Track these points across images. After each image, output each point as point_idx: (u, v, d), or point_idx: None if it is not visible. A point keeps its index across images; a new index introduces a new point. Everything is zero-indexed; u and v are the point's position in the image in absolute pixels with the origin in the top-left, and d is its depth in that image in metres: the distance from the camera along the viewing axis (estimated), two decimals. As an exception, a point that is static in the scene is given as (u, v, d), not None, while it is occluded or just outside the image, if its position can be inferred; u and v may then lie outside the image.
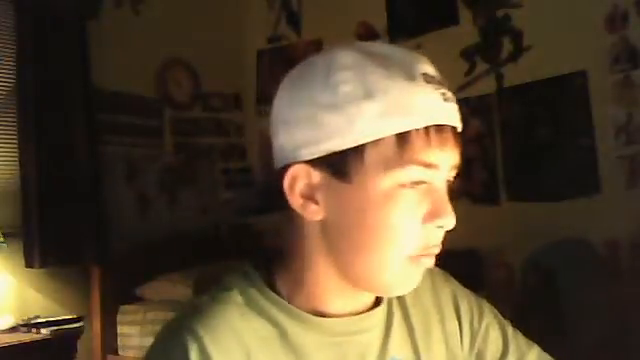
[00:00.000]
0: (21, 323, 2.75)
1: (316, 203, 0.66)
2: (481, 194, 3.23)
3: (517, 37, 3.13)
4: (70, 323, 2.81)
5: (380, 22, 3.62)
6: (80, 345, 2.81)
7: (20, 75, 3.01)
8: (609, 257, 2.74)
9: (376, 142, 0.63)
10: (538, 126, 3.09)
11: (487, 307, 0.83)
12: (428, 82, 0.64)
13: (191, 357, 0.63)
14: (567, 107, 2.99)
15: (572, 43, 2.91)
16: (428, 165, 0.64)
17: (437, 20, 3.41)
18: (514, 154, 3.17)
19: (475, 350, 0.80)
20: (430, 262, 0.68)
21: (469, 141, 3.27)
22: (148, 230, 3.43)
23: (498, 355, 0.80)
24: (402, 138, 0.63)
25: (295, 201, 0.67)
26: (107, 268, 3.12)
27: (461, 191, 3.29)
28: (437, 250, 0.68)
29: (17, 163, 3.01)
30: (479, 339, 0.80)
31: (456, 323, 0.80)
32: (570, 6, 2.92)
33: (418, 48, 3.48)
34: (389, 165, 0.63)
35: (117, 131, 3.44)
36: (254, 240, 3.94)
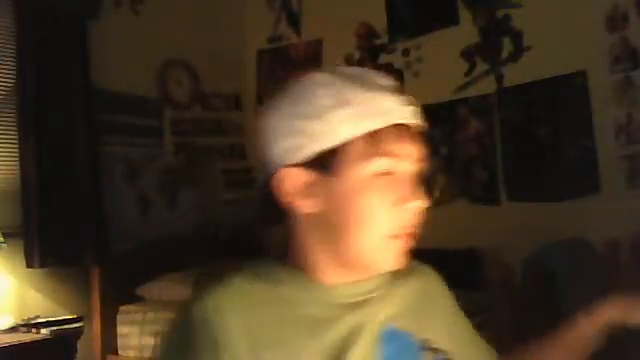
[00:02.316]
0: (21, 323, 2.75)
1: (306, 199, 0.79)
2: (481, 194, 3.23)
3: (517, 37, 3.13)
4: (70, 323, 2.81)
5: (380, 22, 3.63)
6: (80, 345, 2.81)
7: (20, 75, 3.01)
8: (609, 257, 2.74)
9: (353, 140, 0.76)
10: (538, 126, 3.09)
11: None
12: (387, 91, 0.79)
13: (202, 314, 0.76)
14: (567, 107, 2.99)
15: (572, 43, 2.91)
16: (393, 156, 0.78)
17: (437, 20, 3.41)
18: (514, 154, 3.17)
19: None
20: (406, 242, 0.80)
21: (469, 141, 3.27)
22: (148, 230, 3.43)
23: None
24: (372, 136, 0.77)
25: (285, 200, 0.80)
26: (107, 268, 3.12)
27: (461, 191, 3.30)
28: (411, 230, 0.80)
29: (17, 163, 3.01)
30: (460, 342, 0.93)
31: (450, 323, 0.92)
32: (570, 6, 2.92)
33: (418, 48, 3.48)
34: (365, 158, 0.77)
35: (117, 131, 3.44)
36: (254, 240, 3.94)
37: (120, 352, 3.05)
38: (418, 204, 0.79)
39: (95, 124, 3.25)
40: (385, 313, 0.83)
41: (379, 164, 0.77)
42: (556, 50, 2.96)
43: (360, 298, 0.82)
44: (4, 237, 2.76)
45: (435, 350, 0.85)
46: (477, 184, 3.25)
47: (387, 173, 0.78)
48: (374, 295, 0.83)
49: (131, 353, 2.99)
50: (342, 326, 0.79)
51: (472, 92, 3.27)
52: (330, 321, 0.79)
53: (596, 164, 2.89)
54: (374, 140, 0.77)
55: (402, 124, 0.78)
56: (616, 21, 2.83)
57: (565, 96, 2.99)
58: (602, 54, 2.86)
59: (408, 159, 0.79)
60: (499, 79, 3.21)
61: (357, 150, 0.77)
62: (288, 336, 0.77)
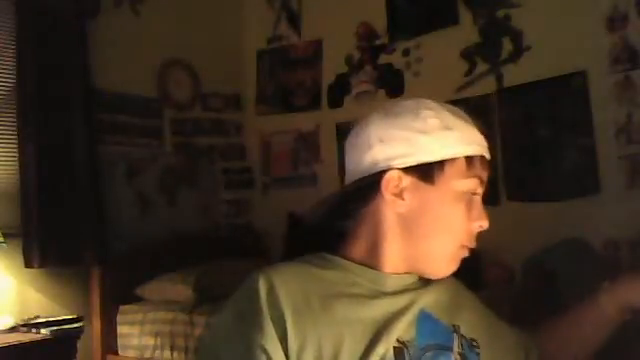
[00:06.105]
0: (21, 323, 2.75)
1: (402, 199, 0.90)
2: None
3: (517, 37, 3.13)
4: (70, 323, 2.81)
5: (380, 22, 3.62)
6: (80, 345, 2.81)
7: (20, 75, 3.01)
8: (609, 257, 2.73)
9: (453, 159, 0.90)
10: (538, 126, 3.09)
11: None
12: (475, 127, 0.93)
13: (260, 284, 0.85)
14: (567, 107, 2.99)
15: (572, 43, 2.91)
16: (482, 180, 0.92)
17: (437, 20, 3.41)
18: (514, 154, 3.17)
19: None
20: (466, 253, 0.93)
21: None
22: (148, 230, 3.43)
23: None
24: (469, 159, 0.91)
25: (389, 197, 0.90)
26: (107, 268, 3.12)
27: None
28: (472, 245, 0.94)
29: (17, 163, 3.01)
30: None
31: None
32: (570, 6, 2.91)
33: (418, 48, 3.48)
34: (461, 175, 0.90)
35: (117, 131, 3.44)
36: (254, 240, 3.94)
37: (120, 352, 3.05)
38: (487, 223, 0.93)
39: (95, 124, 3.25)
40: (422, 302, 0.92)
41: (472, 184, 0.91)
42: (556, 50, 2.96)
43: (404, 288, 0.92)
44: (4, 237, 2.76)
45: (463, 336, 0.92)
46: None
47: (473, 193, 0.92)
48: (414, 287, 0.94)
49: (131, 353, 2.99)
50: (387, 306, 0.89)
51: (472, 92, 3.26)
52: (376, 299, 0.89)
53: (596, 164, 2.88)
54: (470, 163, 0.91)
55: (483, 156, 0.93)
56: (616, 21, 2.83)
57: (565, 96, 2.99)
58: (602, 54, 2.86)
59: (484, 185, 0.94)
60: (499, 79, 3.20)
61: (457, 168, 0.90)
62: (331, 308, 0.85)
